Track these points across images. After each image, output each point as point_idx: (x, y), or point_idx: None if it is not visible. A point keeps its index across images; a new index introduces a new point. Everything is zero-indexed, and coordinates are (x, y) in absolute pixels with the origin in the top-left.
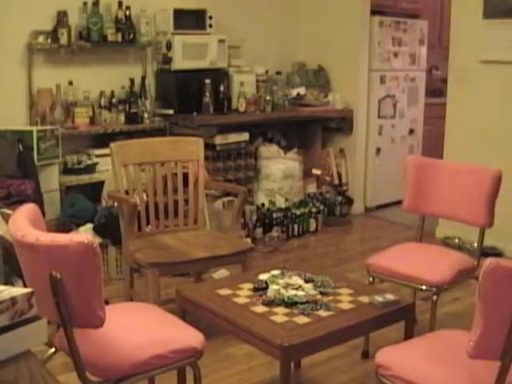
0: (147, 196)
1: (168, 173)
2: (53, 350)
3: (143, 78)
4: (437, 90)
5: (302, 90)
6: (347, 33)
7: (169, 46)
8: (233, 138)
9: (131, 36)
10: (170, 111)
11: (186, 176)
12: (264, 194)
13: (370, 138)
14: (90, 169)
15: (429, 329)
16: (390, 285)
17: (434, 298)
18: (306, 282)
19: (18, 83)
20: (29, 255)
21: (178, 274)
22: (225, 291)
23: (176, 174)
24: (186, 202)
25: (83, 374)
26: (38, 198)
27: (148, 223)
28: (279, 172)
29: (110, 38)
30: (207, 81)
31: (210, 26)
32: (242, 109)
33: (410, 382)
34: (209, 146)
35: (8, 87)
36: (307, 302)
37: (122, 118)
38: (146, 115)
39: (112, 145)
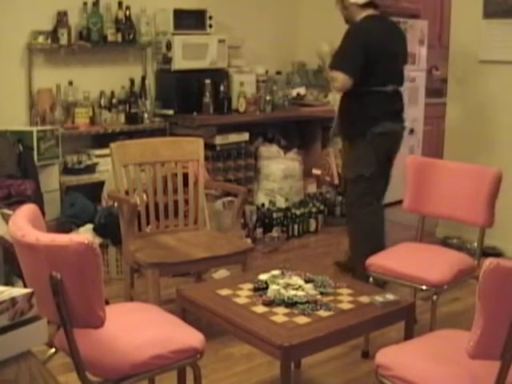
0: (147, 196)
1: (168, 173)
2: (53, 350)
3: (143, 78)
4: (437, 90)
5: (302, 90)
6: None
7: (169, 46)
8: (233, 138)
9: (131, 36)
10: (170, 111)
11: (186, 176)
12: (264, 194)
13: None
14: (90, 169)
15: (429, 329)
16: (391, 285)
17: (434, 297)
18: (306, 282)
19: (18, 83)
20: (29, 255)
21: (178, 274)
22: (225, 291)
23: (176, 174)
24: (186, 202)
25: (83, 374)
26: (38, 198)
27: (148, 223)
28: (279, 172)
29: (110, 38)
30: (207, 81)
31: (210, 26)
32: (242, 109)
33: (410, 382)
34: (209, 146)
35: (8, 87)
36: (307, 302)
37: (122, 118)
38: (146, 115)
39: (112, 145)
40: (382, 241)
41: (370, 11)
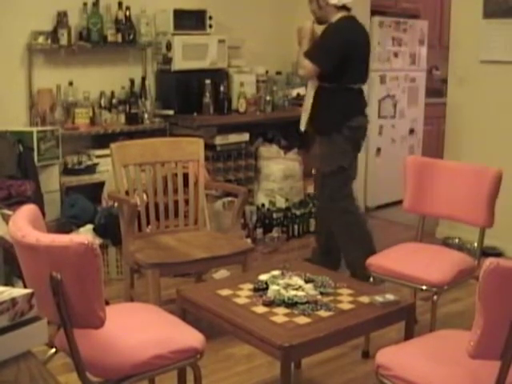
0: (147, 196)
1: (168, 173)
2: (53, 350)
3: (143, 79)
4: (437, 90)
5: (302, 91)
6: None
7: (169, 47)
8: (233, 138)
9: (131, 36)
10: (170, 112)
11: (186, 176)
12: (264, 195)
13: (370, 138)
14: (91, 169)
15: (429, 329)
16: (391, 285)
17: (435, 298)
18: (306, 282)
19: (18, 84)
20: (29, 256)
21: (179, 274)
22: (225, 291)
23: (176, 175)
24: (187, 202)
25: (84, 374)
26: (38, 199)
27: (148, 224)
28: (279, 172)
29: (110, 38)
30: (207, 81)
31: (210, 26)
32: (242, 109)
33: (410, 382)
34: (209, 147)
35: (8, 88)
36: (307, 302)
37: (122, 118)
38: (146, 116)
39: (112, 145)
40: (370, 234)
41: (344, 12)
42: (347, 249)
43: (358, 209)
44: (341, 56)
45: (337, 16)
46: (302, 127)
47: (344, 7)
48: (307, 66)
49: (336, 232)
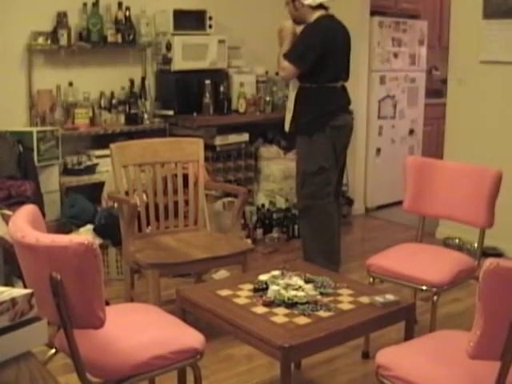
0: (147, 197)
1: (168, 173)
2: (53, 351)
3: (143, 79)
4: (437, 90)
5: None
6: None
7: (169, 47)
8: (233, 138)
9: (131, 37)
10: (170, 112)
11: (186, 177)
12: (264, 195)
13: (370, 138)
14: (90, 170)
15: (429, 329)
16: (391, 285)
17: (435, 298)
18: (306, 282)
19: (18, 84)
20: (29, 256)
21: (179, 274)
22: (225, 292)
23: (176, 175)
24: (186, 202)
25: (83, 374)
26: (38, 199)
27: (148, 224)
28: (279, 172)
29: (110, 38)
30: (207, 81)
31: (210, 26)
32: (241, 109)
33: (411, 383)
34: (209, 147)
35: (8, 88)
36: (307, 302)
37: (122, 118)
38: (145, 116)
39: (112, 146)
40: (336, 233)
41: (321, 12)
42: (310, 246)
43: (335, 212)
44: (319, 54)
45: (314, 15)
46: (287, 128)
47: (321, 6)
48: (286, 67)
49: (307, 226)
